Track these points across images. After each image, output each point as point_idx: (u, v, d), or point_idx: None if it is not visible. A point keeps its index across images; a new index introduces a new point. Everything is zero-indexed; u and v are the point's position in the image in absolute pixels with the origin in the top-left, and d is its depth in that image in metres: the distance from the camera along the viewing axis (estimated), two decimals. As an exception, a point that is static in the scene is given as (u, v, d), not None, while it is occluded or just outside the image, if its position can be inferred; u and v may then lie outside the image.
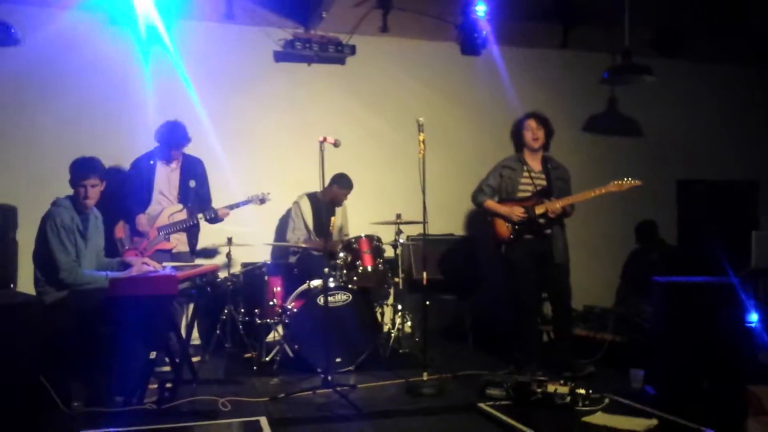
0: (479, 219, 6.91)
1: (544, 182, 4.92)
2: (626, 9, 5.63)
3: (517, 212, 4.83)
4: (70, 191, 4.30)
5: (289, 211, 6.11)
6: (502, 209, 4.90)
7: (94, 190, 4.26)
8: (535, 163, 4.97)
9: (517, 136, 5.00)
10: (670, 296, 4.63)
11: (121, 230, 5.20)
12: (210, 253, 6.16)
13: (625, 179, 4.75)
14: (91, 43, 5.91)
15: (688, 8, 6.22)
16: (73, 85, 5.90)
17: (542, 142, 4.92)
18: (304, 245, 5.72)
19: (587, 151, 6.63)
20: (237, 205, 5.39)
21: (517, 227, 4.85)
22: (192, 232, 5.42)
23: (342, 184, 5.84)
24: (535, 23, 6.56)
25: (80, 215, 4.25)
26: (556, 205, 4.77)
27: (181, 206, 5.32)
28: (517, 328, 4.95)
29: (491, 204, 4.98)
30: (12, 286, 5.15)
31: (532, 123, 4.91)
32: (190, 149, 5.44)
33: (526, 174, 4.93)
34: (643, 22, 6.06)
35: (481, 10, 5.91)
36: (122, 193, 5.13)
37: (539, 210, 4.81)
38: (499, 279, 6.40)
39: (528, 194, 4.90)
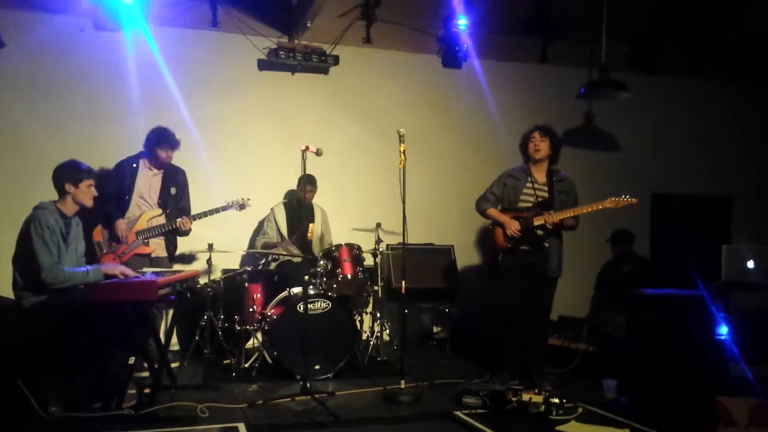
0: (458, 229, 7.01)
1: (546, 194, 4.93)
2: (604, 25, 5.75)
3: (514, 227, 4.86)
4: (52, 195, 4.29)
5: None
6: (503, 219, 4.93)
7: (92, 191, 4.31)
8: (539, 174, 5.00)
9: (523, 147, 5.05)
10: (642, 308, 4.74)
11: (99, 234, 5.19)
12: (189, 258, 6.16)
13: (623, 197, 4.76)
14: (75, 48, 5.92)
15: (663, 25, 6.38)
16: (57, 89, 5.91)
17: (545, 154, 4.94)
18: (275, 252, 5.72)
19: (564, 164, 6.67)
20: (212, 212, 5.35)
21: (514, 237, 4.91)
22: (170, 238, 5.41)
23: (301, 182, 5.59)
24: (515, 38, 6.68)
25: (63, 219, 4.25)
26: (554, 218, 4.82)
27: (160, 211, 5.32)
28: (500, 336, 4.97)
29: (493, 212, 5.02)
30: (-10, 289, 5.10)
31: (536, 134, 4.96)
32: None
33: (529, 185, 4.96)
34: (621, 38, 6.20)
35: (462, 23, 6.00)
36: (102, 196, 5.11)
37: (537, 221, 4.84)
38: (478, 288, 6.51)
39: (528, 205, 4.94)
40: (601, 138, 7.65)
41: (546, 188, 4.95)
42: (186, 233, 5.37)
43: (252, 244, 6.22)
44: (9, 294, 4.23)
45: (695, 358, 4.45)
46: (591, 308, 6.65)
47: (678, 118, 7.81)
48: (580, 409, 4.19)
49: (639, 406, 4.31)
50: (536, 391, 4.14)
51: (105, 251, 5.14)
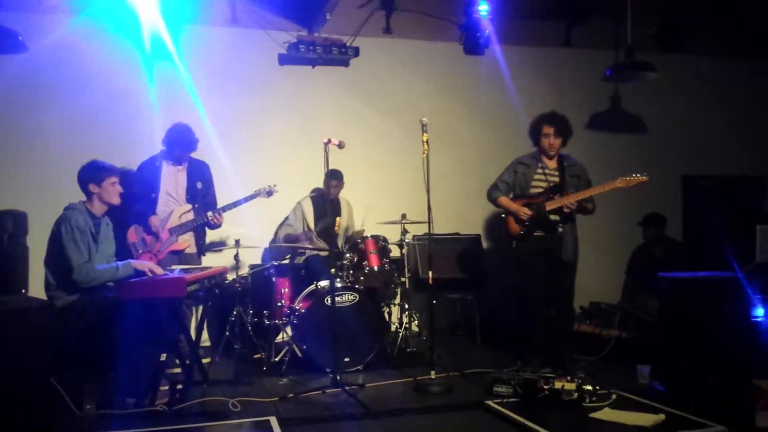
0: (484, 217, 6.96)
1: (557, 179, 4.91)
2: (629, 5, 5.64)
3: (524, 213, 4.84)
4: (77, 196, 4.34)
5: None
6: (513, 207, 4.91)
7: (116, 188, 4.33)
8: (550, 160, 4.97)
9: (534, 135, 4.99)
10: (676, 292, 4.65)
11: (133, 235, 5.24)
12: (217, 255, 6.19)
13: (633, 175, 4.72)
14: (95, 50, 5.97)
15: (690, 3, 6.22)
16: (78, 91, 5.96)
17: (558, 150, 4.93)
18: (302, 246, 5.72)
19: (591, 148, 6.62)
20: (239, 202, 5.38)
21: (527, 224, 4.86)
22: (200, 233, 5.46)
23: (327, 177, 5.48)
24: (538, 22, 6.58)
25: (93, 220, 4.29)
26: (570, 199, 4.76)
27: (189, 206, 5.37)
28: (524, 324, 4.96)
29: (504, 201, 5.00)
30: (23, 291, 5.19)
31: (550, 131, 4.88)
32: (194, 153, 5.48)
33: (540, 171, 4.94)
34: (646, 18, 6.07)
35: (483, 9, 5.90)
36: (130, 197, 5.16)
37: (550, 206, 4.81)
38: (506, 276, 6.43)
39: (540, 190, 4.91)
40: (629, 120, 7.51)
41: (557, 173, 4.94)
42: (218, 226, 5.40)
43: (275, 236, 6.22)
44: (42, 294, 4.30)
45: (731, 342, 4.35)
46: (623, 294, 6.55)
47: (707, 98, 7.63)
48: (614, 396, 4.14)
49: (674, 392, 4.25)
50: (569, 378, 4.10)
51: (141, 251, 5.19)
